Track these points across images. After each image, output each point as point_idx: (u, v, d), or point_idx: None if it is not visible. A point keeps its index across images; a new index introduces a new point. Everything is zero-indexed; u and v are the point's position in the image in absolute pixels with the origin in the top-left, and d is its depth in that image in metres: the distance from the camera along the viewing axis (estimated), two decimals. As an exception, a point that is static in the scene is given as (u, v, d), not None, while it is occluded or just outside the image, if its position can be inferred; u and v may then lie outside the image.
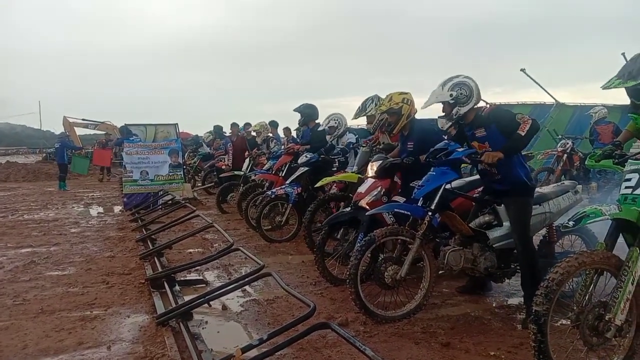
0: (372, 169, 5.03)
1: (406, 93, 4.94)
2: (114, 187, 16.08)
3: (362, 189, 5.00)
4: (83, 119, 28.29)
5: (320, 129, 7.47)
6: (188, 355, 3.28)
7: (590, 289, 2.87)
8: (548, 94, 15.24)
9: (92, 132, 31.74)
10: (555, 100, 15.11)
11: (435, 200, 3.94)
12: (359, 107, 6.10)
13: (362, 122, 7.00)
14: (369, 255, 4.34)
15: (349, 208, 5.09)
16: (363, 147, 5.93)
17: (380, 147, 5.60)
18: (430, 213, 3.94)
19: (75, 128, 27.70)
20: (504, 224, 4.02)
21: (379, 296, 4.14)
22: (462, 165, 4.96)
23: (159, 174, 11.09)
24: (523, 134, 3.71)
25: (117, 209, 11.40)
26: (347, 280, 3.92)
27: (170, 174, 11.18)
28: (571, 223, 2.99)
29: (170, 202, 9.84)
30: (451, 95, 3.90)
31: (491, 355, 3.37)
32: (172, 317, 3.88)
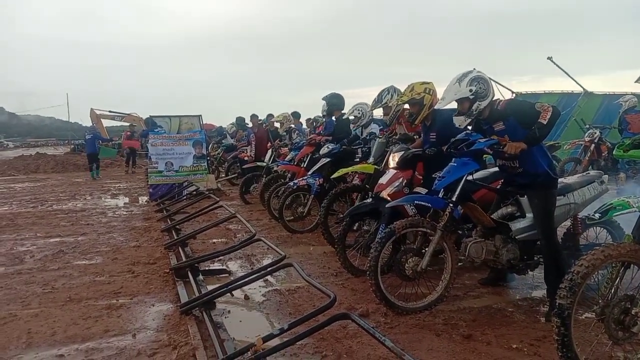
0: (393, 160, 5.00)
1: (428, 83, 4.89)
2: (140, 178, 16.34)
3: (383, 180, 4.98)
4: (110, 111, 28.79)
5: (345, 117, 7.44)
6: (210, 343, 3.33)
7: (617, 282, 2.82)
8: (576, 82, 14.91)
9: (118, 123, 32.25)
10: (583, 89, 14.79)
11: (457, 192, 3.90)
12: (375, 98, 6.04)
13: (378, 113, 6.92)
14: (390, 246, 4.33)
15: (370, 199, 5.08)
16: (379, 138, 5.90)
17: (397, 137, 5.55)
18: (451, 205, 3.90)
19: (102, 120, 28.21)
20: (526, 215, 3.95)
21: (400, 287, 4.13)
22: (485, 155, 4.90)
23: (183, 165, 11.24)
24: (545, 122, 3.63)
25: (143, 199, 11.60)
26: (368, 272, 3.92)
27: (195, 165, 11.32)
28: (597, 215, 2.94)
29: (194, 192, 9.98)
30: (471, 90, 3.83)
31: (513, 348, 3.34)
32: (195, 306, 3.95)
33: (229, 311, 4.15)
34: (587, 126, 11.16)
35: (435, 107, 4.57)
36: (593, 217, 3.00)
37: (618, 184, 8.79)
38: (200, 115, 11.78)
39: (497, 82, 14.71)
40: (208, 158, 12.76)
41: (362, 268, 4.87)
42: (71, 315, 4.09)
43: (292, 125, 10.49)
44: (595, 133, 10.19)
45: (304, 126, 12.57)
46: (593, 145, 9.98)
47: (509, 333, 3.58)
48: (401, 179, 4.87)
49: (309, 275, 4.05)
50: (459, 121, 4.00)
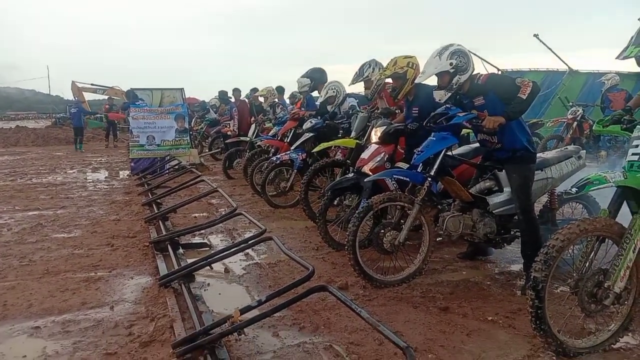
0: (375, 134, 4.98)
1: (411, 57, 4.84)
2: (122, 152, 16.15)
3: (365, 154, 4.97)
4: (92, 84, 28.18)
5: (319, 101, 7.38)
6: (188, 315, 3.33)
7: (591, 256, 2.86)
8: (561, 60, 14.95)
9: (100, 97, 31.65)
10: (568, 67, 14.84)
11: (435, 166, 3.90)
12: (356, 73, 5.96)
13: (358, 88, 6.86)
14: (371, 220, 4.34)
15: (352, 174, 5.06)
16: (361, 112, 5.86)
17: (379, 112, 5.52)
18: (429, 179, 3.91)
19: (84, 93, 27.61)
20: (504, 189, 3.97)
21: (379, 261, 4.15)
22: (468, 131, 4.89)
23: (165, 139, 11.10)
24: (524, 97, 3.63)
25: (125, 173, 11.46)
26: (346, 246, 3.93)
27: (177, 139, 11.18)
28: (574, 190, 2.95)
29: (176, 167, 9.90)
30: (451, 64, 3.79)
31: (489, 320, 3.39)
32: (174, 279, 3.93)
33: (208, 284, 4.15)
34: (571, 104, 11.22)
35: (416, 81, 4.53)
36: (570, 191, 3.01)
37: (599, 162, 8.89)
38: (183, 89, 11.61)
39: (483, 59, 14.71)
40: (191, 132, 12.62)
41: (343, 242, 4.89)
42: (48, 287, 4.05)
43: (276, 100, 10.39)
44: (578, 111, 10.25)
45: (288, 102, 12.47)
46: (575, 122, 10.05)
47: (485, 306, 3.62)
48: (383, 153, 4.86)
49: (290, 249, 4.03)
50: (439, 95, 3.97)
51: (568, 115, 10.34)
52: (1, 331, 3.30)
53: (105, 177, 10.89)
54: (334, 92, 6.88)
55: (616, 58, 3.12)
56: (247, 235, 5.57)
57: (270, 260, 4.75)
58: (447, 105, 4.01)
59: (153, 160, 10.95)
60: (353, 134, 5.77)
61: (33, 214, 6.91)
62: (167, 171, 10.19)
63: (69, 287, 4.06)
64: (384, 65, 5.58)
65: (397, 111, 5.40)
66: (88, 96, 28.69)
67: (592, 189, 2.89)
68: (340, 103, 6.86)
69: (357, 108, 6.29)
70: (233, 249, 4.23)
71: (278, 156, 7.17)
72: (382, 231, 4.01)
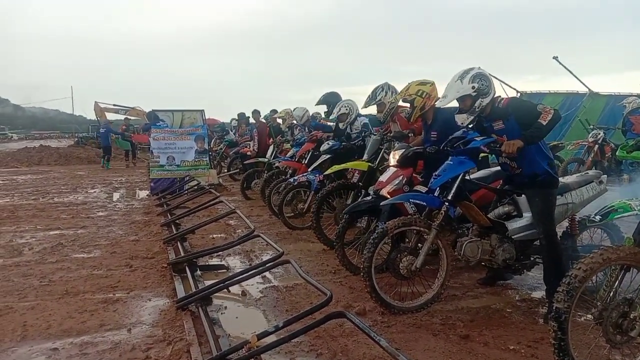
0: (394, 157, 4.98)
1: (425, 84, 4.82)
2: (142, 172, 16.33)
3: (383, 177, 4.95)
4: (114, 105, 28.71)
5: (331, 117, 7.42)
6: (206, 339, 3.31)
7: (616, 285, 2.78)
8: (581, 82, 14.84)
9: (122, 117, 32.22)
10: (589, 89, 14.71)
11: (453, 190, 3.86)
12: (369, 96, 5.95)
13: (372, 110, 6.88)
14: (389, 245, 4.29)
15: (370, 197, 5.05)
16: (374, 135, 5.86)
17: (391, 135, 5.51)
18: (446, 203, 3.87)
19: (106, 113, 28.15)
20: (524, 214, 3.91)
21: (398, 286, 4.10)
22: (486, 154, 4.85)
23: (185, 159, 11.22)
24: (545, 123, 3.58)
25: (144, 193, 11.58)
26: (362, 272, 3.89)
27: (196, 159, 11.29)
28: (598, 217, 2.90)
29: (196, 187, 9.99)
30: (473, 87, 3.78)
31: (510, 349, 3.31)
32: (191, 301, 3.93)
33: (225, 307, 4.13)
34: (592, 127, 11.08)
35: (437, 104, 4.52)
36: (593, 219, 2.96)
37: (622, 186, 8.73)
38: (203, 110, 11.76)
39: (501, 81, 14.66)
40: (210, 153, 12.74)
41: (360, 266, 4.86)
42: (67, 308, 4.08)
43: (294, 122, 10.45)
44: (599, 134, 10.12)
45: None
46: (597, 146, 9.91)
47: (507, 334, 3.54)
48: (401, 177, 4.84)
49: (307, 272, 4.02)
50: (461, 119, 3.95)
51: (589, 138, 10.21)
52: (20, 352, 3.32)
53: (125, 197, 11.00)
54: (346, 109, 6.91)
55: None
56: (265, 257, 5.57)
57: (287, 284, 4.72)
58: (464, 129, 3.99)
59: (173, 180, 11.06)
60: (365, 156, 5.77)
61: (54, 233, 7.00)
62: (186, 191, 10.27)
63: (88, 308, 4.08)
64: (397, 88, 5.63)
65: (410, 135, 5.39)
66: (110, 116, 29.21)
67: (617, 217, 2.85)
68: (353, 121, 6.88)
69: (369, 126, 6.29)
70: (251, 272, 4.24)
71: (295, 178, 7.18)
72: (399, 256, 3.97)
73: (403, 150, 4.93)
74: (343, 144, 6.78)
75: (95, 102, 26.56)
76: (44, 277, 4.89)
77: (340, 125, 7.00)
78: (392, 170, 4.95)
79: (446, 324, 3.73)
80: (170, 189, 10.70)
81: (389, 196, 4.70)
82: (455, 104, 3.99)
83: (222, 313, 3.98)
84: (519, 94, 15.67)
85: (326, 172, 6.44)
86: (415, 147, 4.93)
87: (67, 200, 10.27)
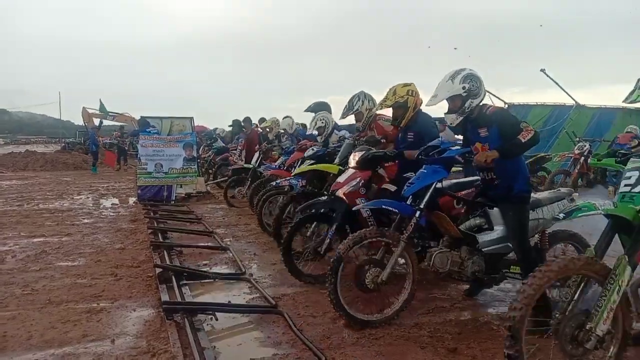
0: (354, 159, 4.88)
1: (409, 84, 4.85)
2: (129, 179, 16.19)
3: (341, 178, 4.91)
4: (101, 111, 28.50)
5: (308, 132, 7.38)
6: (190, 352, 3.26)
7: (576, 296, 2.72)
8: (568, 95, 15.02)
9: (111, 123, 32.00)
10: (575, 102, 14.90)
11: (425, 199, 3.84)
12: (346, 106, 5.84)
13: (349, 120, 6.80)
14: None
15: (325, 197, 5.05)
16: (348, 140, 5.83)
17: (364, 139, 5.43)
18: (418, 212, 3.82)
19: (94, 119, 27.94)
20: (494, 228, 3.89)
21: (369, 298, 3.98)
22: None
23: (173, 167, 11.13)
24: (523, 141, 3.56)
25: (131, 200, 11.46)
26: (328, 291, 3.79)
27: (185, 167, 11.22)
28: (562, 215, 2.86)
29: (184, 195, 9.86)
30: (464, 87, 3.77)
31: (498, 362, 3.29)
32: (177, 310, 3.88)
33: (211, 318, 4.05)
34: (578, 139, 11.20)
35: (427, 104, 4.44)
36: (557, 217, 2.93)
37: (608, 198, 8.80)
38: (192, 118, 11.72)
39: (490, 92, 14.78)
40: (198, 160, 12.66)
41: (312, 274, 4.89)
42: (49, 318, 3.99)
43: (281, 130, 10.35)
44: (585, 146, 10.23)
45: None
46: (582, 158, 10.01)
47: (494, 347, 3.51)
48: (358, 179, 4.77)
49: (299, 328, 3.75)
50: (450, 119, 3.93)
51: (575, 151, 10.31)
52: (-1, 364, 3.24)
53: (112, 204, 10.87)
54: (322, 122, 6.86)
55: (623, 101, 3.09)
56: (259, 272, 5.43)
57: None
58: (439, 139, 3.99)
59: (160, 188, 10.97)
60: (337, 160, 5.71)
61: (38, 240, 6.89)
62: (173, 200, 10.19)
63: (71, 318, 4.00)
64: (372, 96, 5.58)
65: (382, 140, 5.33)
66: (105, 122, 29.01)
67: (580, 215, 2.76)
68: (330, 134, 6.82)
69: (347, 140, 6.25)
70: (239, 309, 4.18)
71: (278, 181, 7.04)
72: (366, 267, 3.87)
73: (363, 152, 4.85)
74: (328, 150, 6.66)
75: (83, 107, 26.41)
76: (26, 286, 4.79)
77: (318, 139, 6.92)
78: (350, 171, 4.90)
79: (434, 337, 3.70)
80: (158, 197, 10.63)
81: (344, 197, 4.69)
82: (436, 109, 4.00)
83: (207, 324, 3.91)
84: (506, 106, 15.81)
85: (295, 172, 6.32)
86: (375, 151, 4.86)
87: (52, 207, 10.13)
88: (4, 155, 24.44)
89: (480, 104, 3.88)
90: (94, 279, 5.08)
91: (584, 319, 2.66)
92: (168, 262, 5.40)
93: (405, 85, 4.85)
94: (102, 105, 24.51)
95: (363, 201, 4.65)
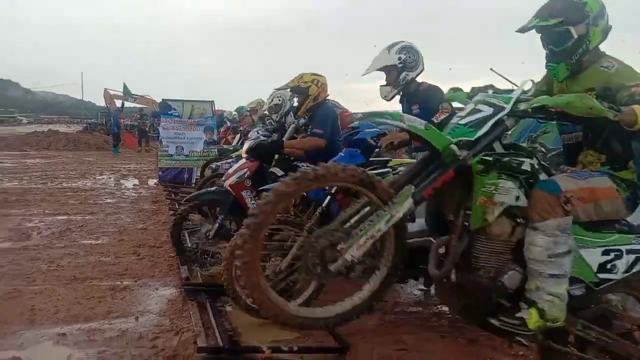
0: (244, 148, 4.77)
1: (319, 75, 4.65)
2: (151, 160, 16.37)
3: (232, 169, 4.75)
4: (123, 92, 28.77)
5: (264, 108, 7.10)
6: (212, 332, 3.30)
7: (353, 218, 2.25)
8: (515, 85, 14.62)
9: (132, 105, 32.29)
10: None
11: None
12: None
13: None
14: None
15: (215, 187, 4.94)
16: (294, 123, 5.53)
17: (302, 124, 5.04)
18: (329, 197, 3.60)
19: (115, 100, 28.23)
20: (416, 220, 3.73)
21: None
22: None
23: (193, 149, 11.20)
24: (436, 122, 3.36)
25: (152, 182, 11.60)
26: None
27: (205, 150, 11.27)
28: (360, 114, 2.72)
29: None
30: (399, 58, 3.69)
31: (520, 355, 3.28)
32: (199, 291, 3.93)
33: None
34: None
35: (362, 74, 4.08)
36: (355, 115, 2.74)
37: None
38: (213, 101, 11.74)
39: (496, 72, 14.12)
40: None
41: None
42: (75, 294, 4.08)
43: (266, 112, 9.56)
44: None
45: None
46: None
47: (516, 339, 3.51)
48: (245, 170, 4.54)
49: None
50: (384, 92, 3.83)
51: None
52: (28, 336, 3.32)
53: (134, 185, 11.05)
54: (279, 100, 6.28)
55: (515, 30, 2.74)
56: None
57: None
58: (359, 120, 3.88)
59: (181, 170, 11.07)
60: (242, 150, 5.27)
61: (62, 218, 7.02)
62: (194, 183, 10.27)
63: (96, 294, 4.08)
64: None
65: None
66: (120, 104, 29.31)
67: (377, 118, 2.41)
68: (287, 112, 6.28)
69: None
70: None
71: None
72: (268, 257, 3.54)
73: (251, 141, 4.66)
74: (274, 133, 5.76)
75: (105, 89, 26.62)
76: (52, 262, 4.89)
77: (274, 117, 6.43)
78: (241, 161, 4.71)
79: (454, 327, 3.69)
80: (179, 179, 10.74)
81: (230, 189, 4.50)
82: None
83: (229, 305, 3.95)
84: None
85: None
86: (260, 140, 4.64)
87: (75, 186, 10.31)
88: (28, 134, 24.92)
89: (418, 79, 3.80)
90: (118, 257, 5.17)
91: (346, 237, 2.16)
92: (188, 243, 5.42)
93: (314, 74, 4.64)
94: (125, 87, 24.71)
95: (248, 194, 4.46)
